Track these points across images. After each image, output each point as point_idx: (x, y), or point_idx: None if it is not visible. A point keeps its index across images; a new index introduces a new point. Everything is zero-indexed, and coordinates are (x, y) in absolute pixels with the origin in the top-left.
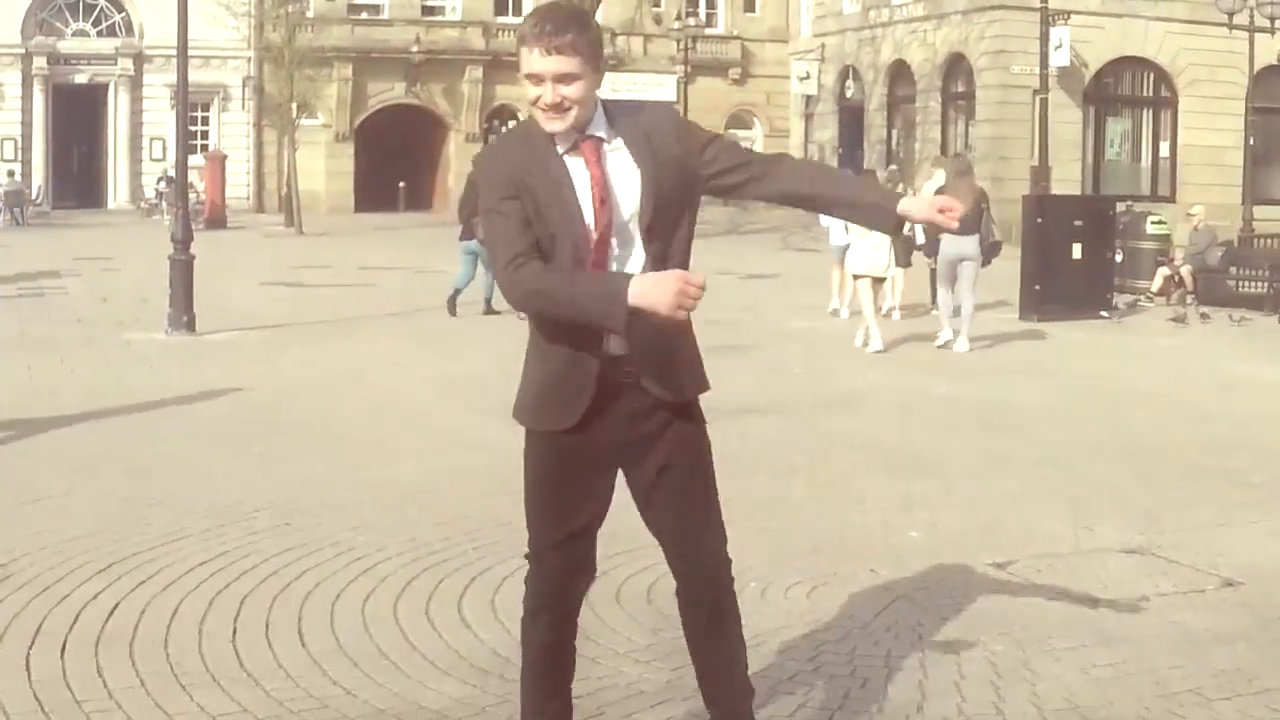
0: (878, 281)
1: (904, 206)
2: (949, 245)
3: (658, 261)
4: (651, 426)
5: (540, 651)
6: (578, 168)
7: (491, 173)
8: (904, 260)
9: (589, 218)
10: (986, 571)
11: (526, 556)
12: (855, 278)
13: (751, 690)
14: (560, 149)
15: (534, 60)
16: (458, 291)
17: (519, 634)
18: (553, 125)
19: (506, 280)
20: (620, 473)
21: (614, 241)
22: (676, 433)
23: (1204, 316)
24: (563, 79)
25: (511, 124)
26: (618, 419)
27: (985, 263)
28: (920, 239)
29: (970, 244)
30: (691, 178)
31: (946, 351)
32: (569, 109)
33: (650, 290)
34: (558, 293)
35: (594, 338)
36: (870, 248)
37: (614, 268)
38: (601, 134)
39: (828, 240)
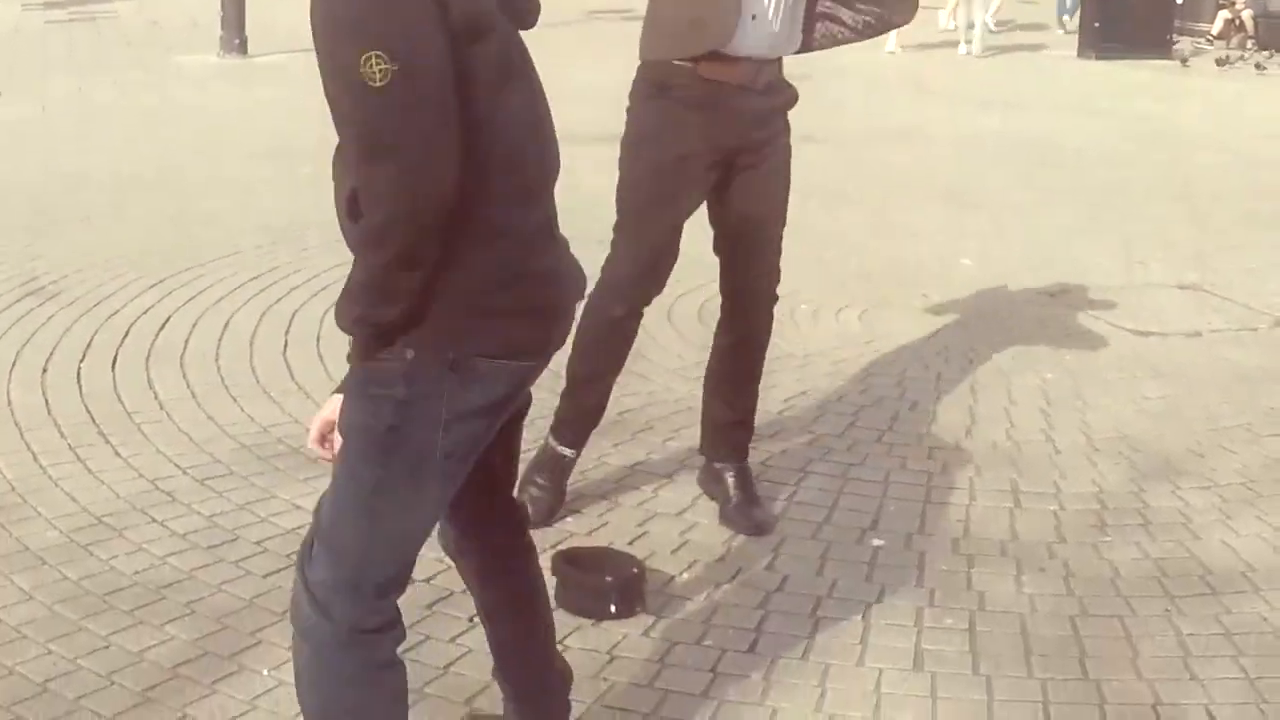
0: None
1: None
2: None
3: None
4: (765, 133)
5: (613, 327)
6: None
7: None
8: None
9: None
10: (1039, 300)
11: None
12: None
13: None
14: None
15: None
16: None
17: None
18: None
19: None
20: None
21: None
22: (781, 143)
23: (1259, 67)
24: None
25: None
26: (738, 117)
27: None
28: None
29: None
30: None
31: (1001, 86)
32: None
33: None
34: None
35: None
36: None
37: None
38: None
39: None
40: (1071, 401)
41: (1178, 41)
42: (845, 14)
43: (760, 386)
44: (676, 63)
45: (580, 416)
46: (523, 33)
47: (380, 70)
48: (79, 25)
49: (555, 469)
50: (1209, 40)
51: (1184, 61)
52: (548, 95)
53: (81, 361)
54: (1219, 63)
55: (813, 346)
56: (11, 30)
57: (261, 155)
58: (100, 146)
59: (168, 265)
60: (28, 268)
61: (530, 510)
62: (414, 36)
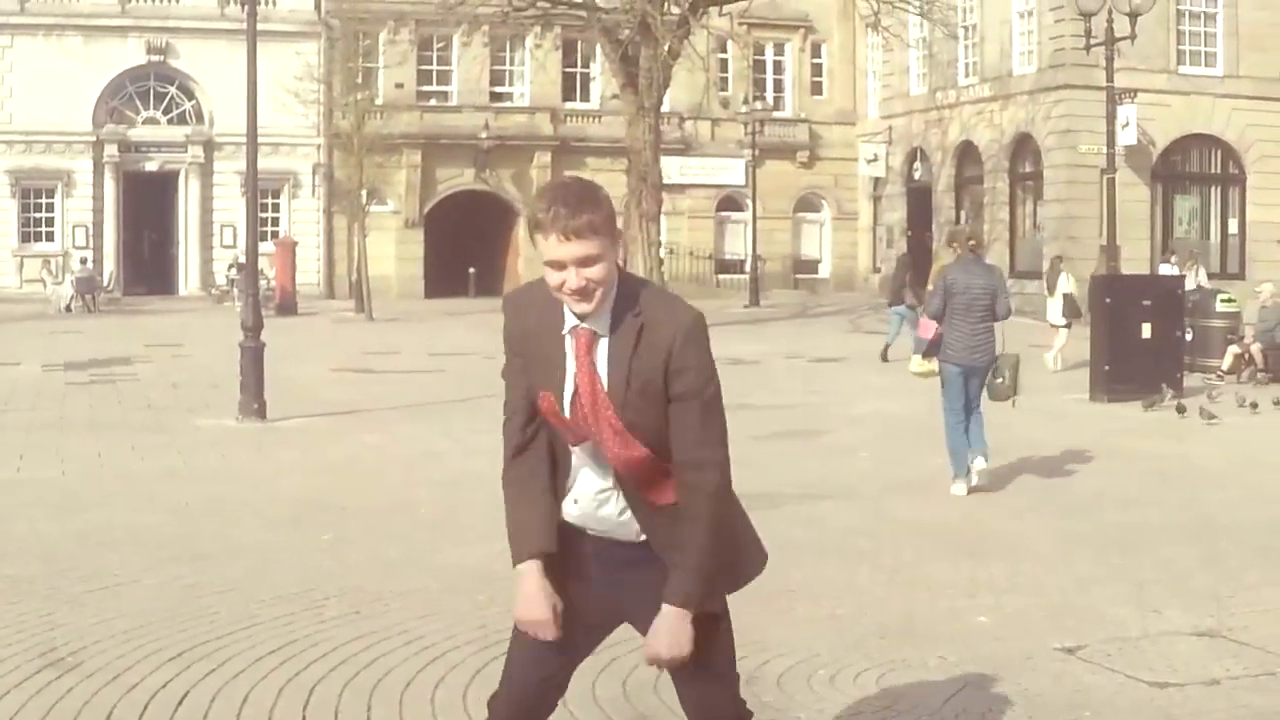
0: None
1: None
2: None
3: (617, 463)
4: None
5: None
6: (570, 352)
7: (510, 318)
8: (1070, 313)
9: (566, 408)
10: (1055, 656)
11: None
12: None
13: None
14: (564, 327)
15: (553, 247)
16: (887, 346)
17: None
18: (581, 308)
19: (503, 426)
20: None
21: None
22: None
23: (1254, 406)
24: (585, 262)
25: None
26: (603, 575)
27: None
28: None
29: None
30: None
31: (1017, 433)
32: (594, 290)
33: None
34: (505, 487)
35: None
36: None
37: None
38: (597, 328)
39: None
40: None
41: (1180, 387)
42: None
43: None
44: None
45: None
46: None
47: None
48: (99, 386)
49: None
50: (1219, 376)
51: (1211, 396)
52: None
53: None
54: (1191, 413)
55: (833, 713)
56: (33, 391)
57: (279, 521)
58: (118, 511)
59: (186, 636)
60: (47, 637)
61: None
62: None
